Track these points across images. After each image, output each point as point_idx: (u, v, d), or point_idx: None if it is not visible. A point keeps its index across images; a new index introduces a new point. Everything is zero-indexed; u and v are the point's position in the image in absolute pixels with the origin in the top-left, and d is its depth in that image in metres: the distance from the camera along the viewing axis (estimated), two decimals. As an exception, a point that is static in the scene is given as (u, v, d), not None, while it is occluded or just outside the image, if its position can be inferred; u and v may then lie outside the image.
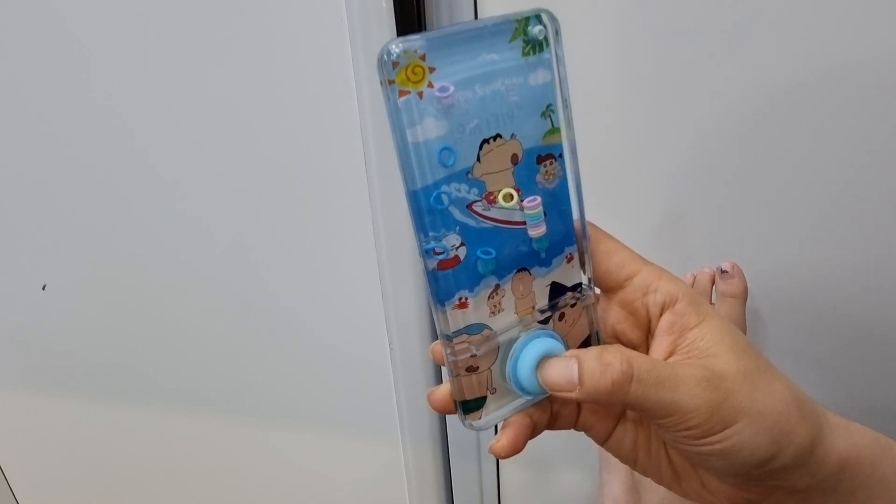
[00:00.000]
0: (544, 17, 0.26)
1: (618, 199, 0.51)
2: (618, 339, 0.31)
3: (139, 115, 0.54)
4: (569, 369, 0.27)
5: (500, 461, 0.65)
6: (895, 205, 0.47)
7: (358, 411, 0.65)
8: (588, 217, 0.30)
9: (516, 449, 0.30)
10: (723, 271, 0.48)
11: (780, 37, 0.43)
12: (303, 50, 0.48)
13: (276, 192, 0.55)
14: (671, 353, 0.29)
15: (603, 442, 0.32)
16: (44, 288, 0.62)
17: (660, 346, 0.29)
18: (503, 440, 0.30)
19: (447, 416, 0.63)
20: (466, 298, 0.28)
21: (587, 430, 0.32)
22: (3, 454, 0.79)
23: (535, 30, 0.26)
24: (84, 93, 0.54)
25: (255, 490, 0.74)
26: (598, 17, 0.44)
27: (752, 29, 0.43)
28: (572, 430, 0.32)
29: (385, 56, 0.23)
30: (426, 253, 0.26)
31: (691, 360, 0.28)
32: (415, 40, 0.24)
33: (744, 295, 0.48)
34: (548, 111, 0.27)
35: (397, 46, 0.23)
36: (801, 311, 0.52)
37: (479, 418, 0.30)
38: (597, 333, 0.31)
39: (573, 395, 0.27)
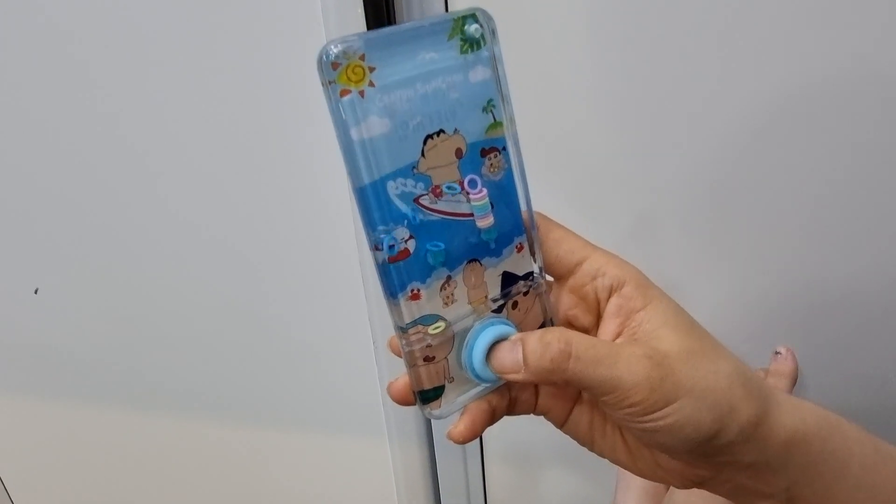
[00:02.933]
0: (480, 16, 0.27)
1: (596, 196, 0.52)
2: (570, 325, 0.32)
3: (129, 119, 0.54)
4: (514, 352, 0.28)
5: (486, 459, 0.66)
6: (882, 209, 0.48)
7: (344, 410, 0.65)
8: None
9: (474, 434, 0.31)
10: (776, 353, 0.54)
11: (763, 39, 0.43)
12: (279, 51, 0.49)
13: (257, 192, 0.56)
14: (618, 335, 0.30)
15: (561, 425, 0.33)
16: (36, 291, 0.63)
17: (607, 328, 0.30)
18: (460, 426, 0.31)
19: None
20: (419, 290, 0.29)
21: (546, 414, 0.33)
22: None
23: (472, 28, 0.27)
24: (73, 96, 0.54)
25: (243, 491, 0.74)
26: (578, 16, 0.45)
27: (735, 30, 0.43)
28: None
29: (324, 57, 0.24)
30: (376, 247, 0.27)
31: (636, 341, 0.29)
32: (353, 41, 0.25)
33: (791, 375, 0.53)
34: (489, 106, 0.28)
35: (336, 47, 0.24)
36: (782, 311, 0.53)
37: (439, 407, 0.31)
38: (551, 320, 0.32)
39: (519, 376, 0.28)
